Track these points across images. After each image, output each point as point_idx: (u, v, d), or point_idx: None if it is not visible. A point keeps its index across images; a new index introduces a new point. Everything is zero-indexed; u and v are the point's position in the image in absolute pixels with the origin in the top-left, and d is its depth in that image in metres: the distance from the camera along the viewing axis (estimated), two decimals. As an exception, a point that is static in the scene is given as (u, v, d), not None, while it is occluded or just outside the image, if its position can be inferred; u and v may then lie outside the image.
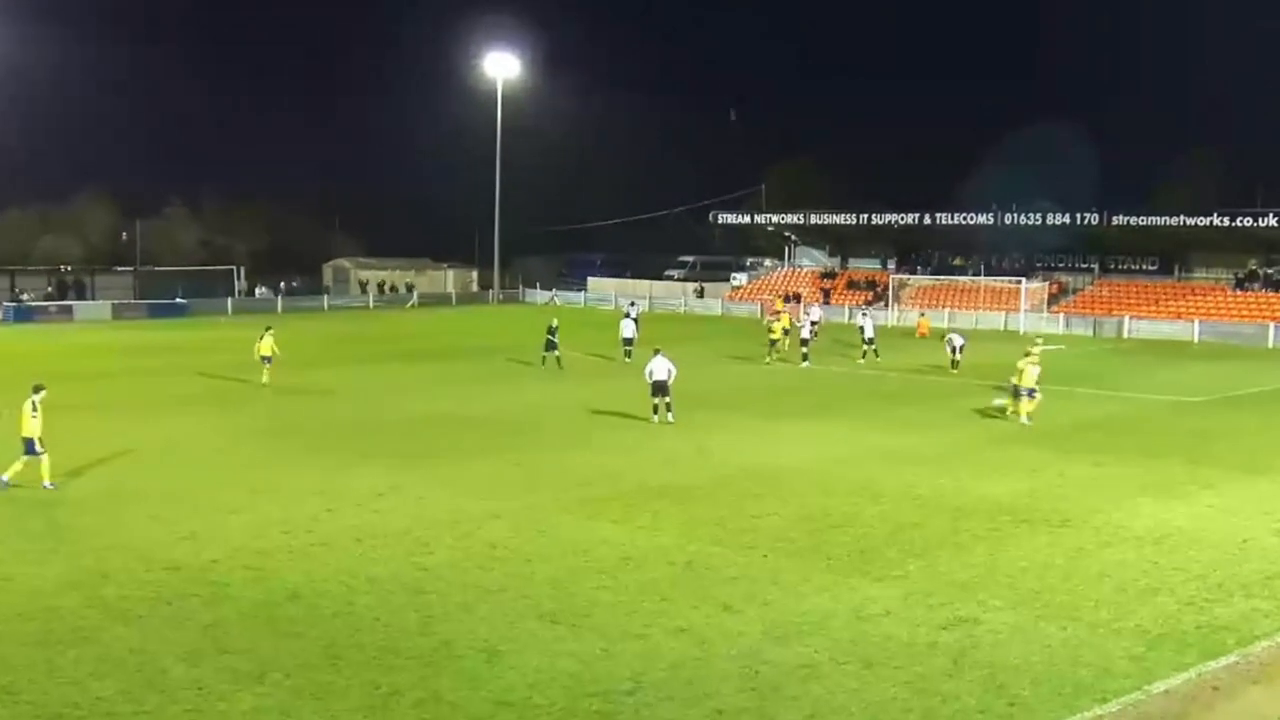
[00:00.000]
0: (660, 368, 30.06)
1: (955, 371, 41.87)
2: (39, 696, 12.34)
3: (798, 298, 76.50)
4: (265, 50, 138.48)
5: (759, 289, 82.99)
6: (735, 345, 52.03)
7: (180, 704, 12.16)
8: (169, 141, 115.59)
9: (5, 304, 72.23)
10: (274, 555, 17.57)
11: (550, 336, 42.93)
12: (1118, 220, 66.28)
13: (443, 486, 22.45)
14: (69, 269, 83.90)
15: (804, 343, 45.68)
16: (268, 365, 37.50)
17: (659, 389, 30.00)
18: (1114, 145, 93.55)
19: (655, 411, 30.12)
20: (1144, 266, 69.38)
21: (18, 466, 21.95)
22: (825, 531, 19.33)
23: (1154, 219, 65.89)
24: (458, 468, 24.46)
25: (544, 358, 42.72)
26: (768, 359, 45.70)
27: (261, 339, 38.18)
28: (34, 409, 21.98)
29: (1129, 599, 15.89)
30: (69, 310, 73.37)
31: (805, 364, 44.36)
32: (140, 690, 12.49)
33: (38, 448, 21.83)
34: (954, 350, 42.83)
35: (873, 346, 46.89)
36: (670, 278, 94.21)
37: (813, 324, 48.89)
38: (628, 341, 44.66)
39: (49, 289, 78.18)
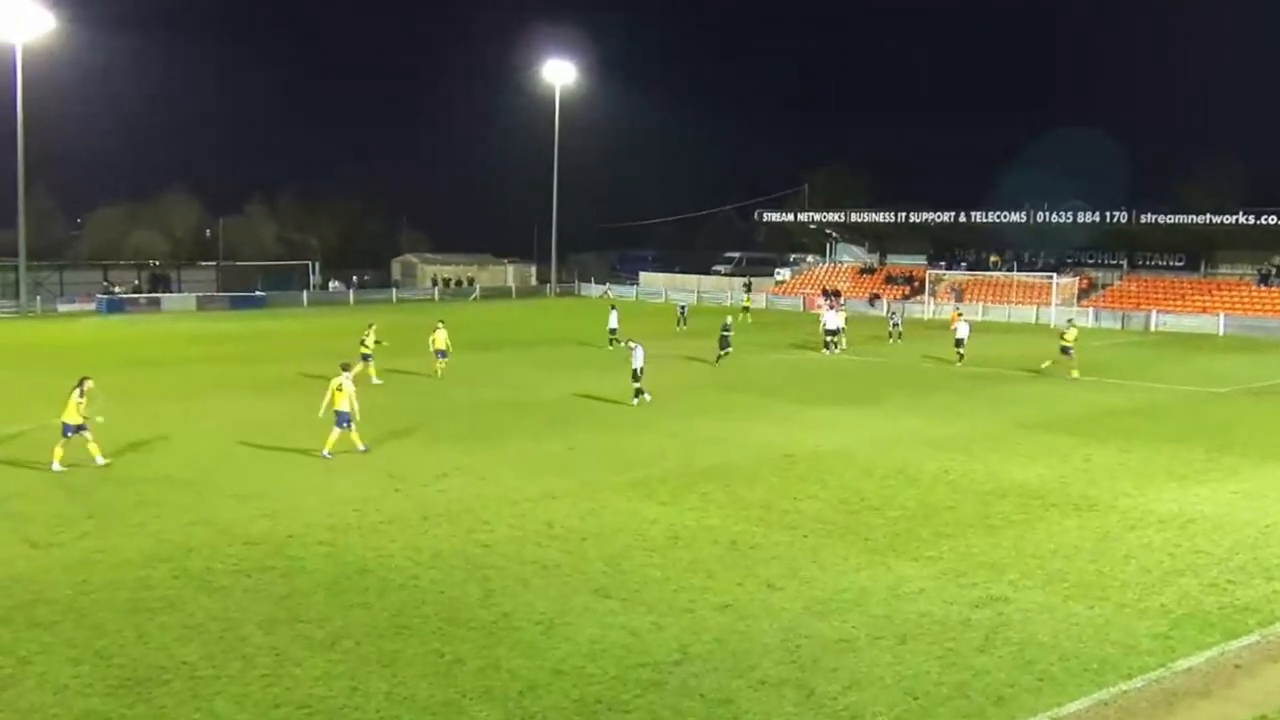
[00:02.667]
0: (638, 356, 31.00)
1: (959, 364, 40.96)
2: (129, 660, 12.56)
3: (837, 294, 76.15)
4: (341, 57, 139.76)
5: (802, 283, 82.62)
6: (779, 336, 51.89)
7: (258, 669, 12.33)
8: (250, 142, 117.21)
9: (98, 296, 73.35)
10: (345, 532, 17.74)
11: (725, 334, 41.29)
12: (1146, 219, 65.53)
13: (503, 468, 22.56)
14: (157, 263, 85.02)
15: (830, 334, 45.86)
16: (442, 360, 36.36)
17: (636, 375, 30.91)
18: (1143, 146, 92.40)
19: (635, 395, 30.84)
20: (1171, 263, 68.39)
21: (334, 438, 23.33)
22: (863, 513, 19.25)
23: (1181, 217, 65.07)
24: (516, 450, 24.56)
25: (718, 355, 40.66)
26: (829, 350, 45.18)
27: (436, 332, 36.93)
28: (80, 395, 22.21)
29: (1154, 580, 15.71)
30: (157, 302, 74.38)
31: (826, 352, 45.01)
32: (222, 655, 12.67)
33: (349, 421, 23.46)
34: (959, 342, 41.93)
35: (898, 330, 49.61)
36: (718, 273, 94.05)
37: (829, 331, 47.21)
38: (613, 331, 44.80)
39: (136, 282, 79.28)
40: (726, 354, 40.95)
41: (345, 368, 24.41)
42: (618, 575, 15.67)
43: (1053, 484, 21.57)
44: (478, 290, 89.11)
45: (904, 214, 75.56)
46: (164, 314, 71.20)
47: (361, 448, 23.64)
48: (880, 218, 77.95)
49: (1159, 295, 65.92)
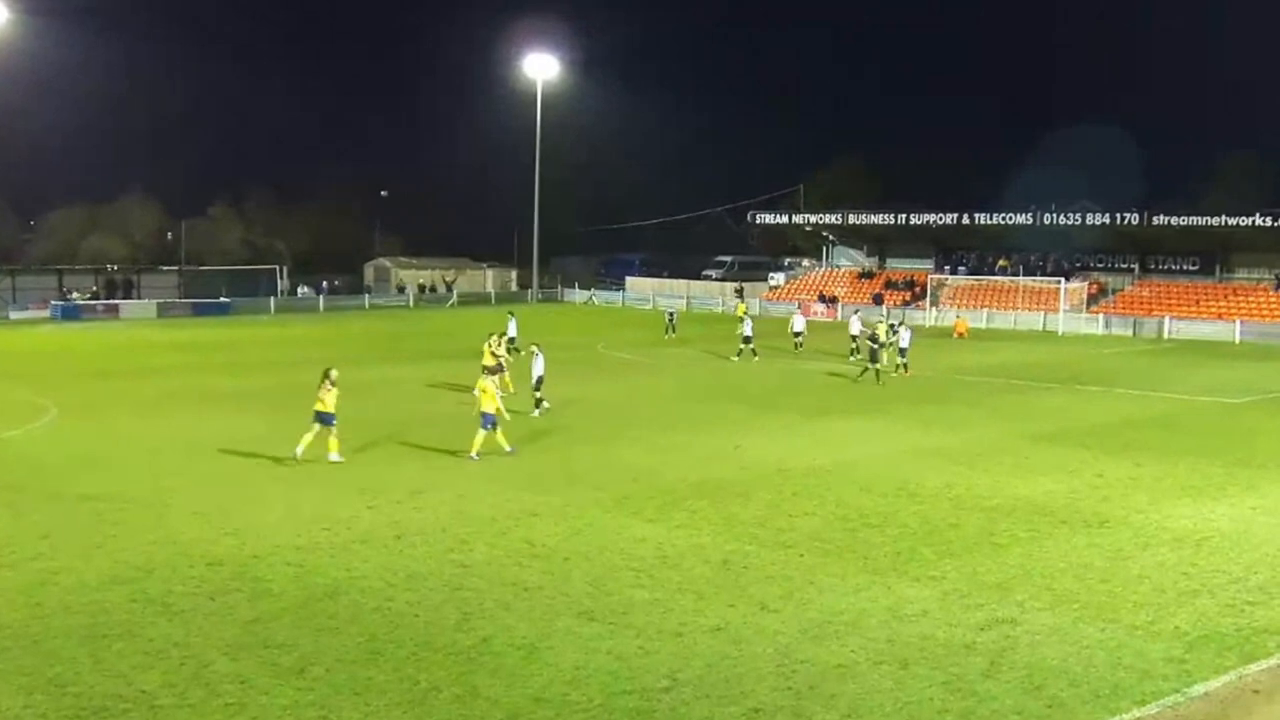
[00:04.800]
0: (539, 364, 31.27)
1: (903, 373, 41.01)
2: (85, 689, 12.48)
3: (834, 300, 76.33)
4: (309, 52, 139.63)
5: (797, 289, 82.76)
6: (772, 344, 51.94)
7: (223, 697, 12.27)
8: (214, 142, 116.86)
9: (54, 303, 73.09)
10: (315, 551, 17.69)
11: (874, 346, 40.23)
12: (1158, 220, 65.63)
13: (482, 483, 22.51)
14: (115, 268, 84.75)
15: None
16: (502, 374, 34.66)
17: (538, 384, 31.21)
18: (1155, 144, 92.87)
19: (536, 405, 31.02)
20: (1185, 267, 68.62)
21: (308, 438, 24.01)
22: (862, 531, 19.27)
23: (1195, 219, 65.07)
24: (496, 464, 24.50)
25: (865, 369, 39.68)
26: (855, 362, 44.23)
27: (497, 343, 35.85)
28: (330, 385, 24.13)
29: (1168, 601, 15.74)
30: (115, 309, 74.16)
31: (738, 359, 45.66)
32: (184, 683, 12.61)
33: (494, 421, 24.75)
34: (899, 350, 41.67)
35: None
36: (708, 277, 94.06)
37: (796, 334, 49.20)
38: (511, 340, 44.97)
39: (92, 288, 78.98)
40: (874, 369, 39.06)
41: (491, 371, 25.87)
42: (603, 597, 15.65)
43: (1062, 499, 21.62)
44: (455, 296, 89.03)
45: (904, 215, 75.74)
46: (123, 321, 71.00)
47: (509, 449, 24.90)
48: (879, 219, 78.10)
49: (1172, 301, 66.18)
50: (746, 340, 46.53)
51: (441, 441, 27.12)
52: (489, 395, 24.90)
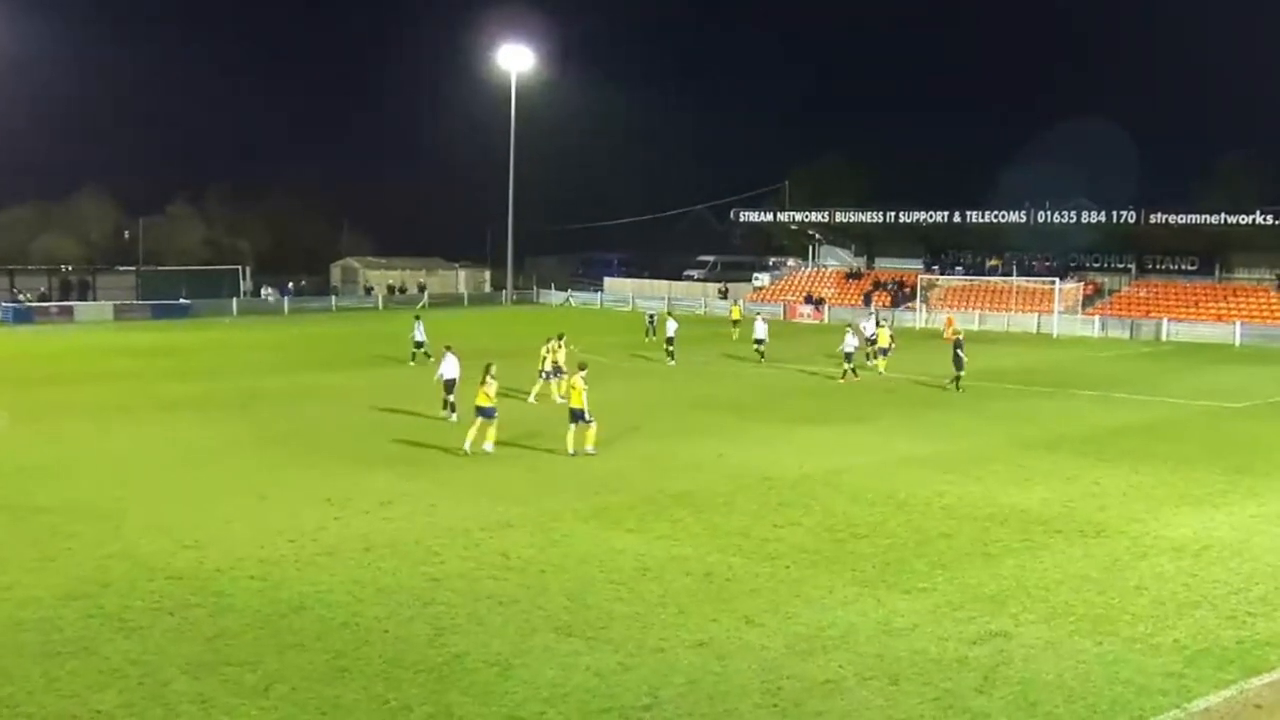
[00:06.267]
0: (451, 367, 31.60)
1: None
2: (37, 709, 12.39)
3: (820, 301, 76.50)
4: (271, 44, 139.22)
5: (782, 290, 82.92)
6: (746, 347, 51.99)
7: (183, 718, 12.20)
8: (172, 138, 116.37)
9: (3, 304, 72.67)
10: (279, 565, 17.62)
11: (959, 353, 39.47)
12: (1155, 218, 65.90)
13: (454, 493, 22.49)
14: (69, 268, 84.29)
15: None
16: (557, 379, 34.58)
17: (450, 387, 31.56)
18: (1152, 142, 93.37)
19: (444, 407, 31.40)
20: (1183, 267, 68.98)
21: (473, 432, 26.15)
22: (850, 542, 19.30)
23: (1194, 217, 65.35)
24: (469, 473, 24.49)
25: (955, 378, 38.59)
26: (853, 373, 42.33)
27: (556, 348, 35.45)
28: (491, 380, 26.53)
29: (1167, 613, 15.81)
30: (69, 311, 73.78)
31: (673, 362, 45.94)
32: (142, 703, 12.54)
33: (586, 416, 26.40)
34: (848, 353, 41.40)
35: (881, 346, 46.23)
36: (690, 278, 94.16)
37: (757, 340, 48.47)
38: (419, 344, 45.19)
39: (43, 289, 78.44)
40: (960, 376, 38.52)
41: (582, 366, 27.67)
42: (581, 611, 15.63)
43: (1057, 508, 21.71)
44: (426, 298, 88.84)
45: (894, 214, 75.92)
46: (78, 324, 70.68)
47: (590, 449, 26.27)
48: (868, 218, 78.33)
49: (1170, 302, 66.54)
50: (760, 342, 47.36)
51: (411, 451, 27.08)
52: (578, 392, 26.51)
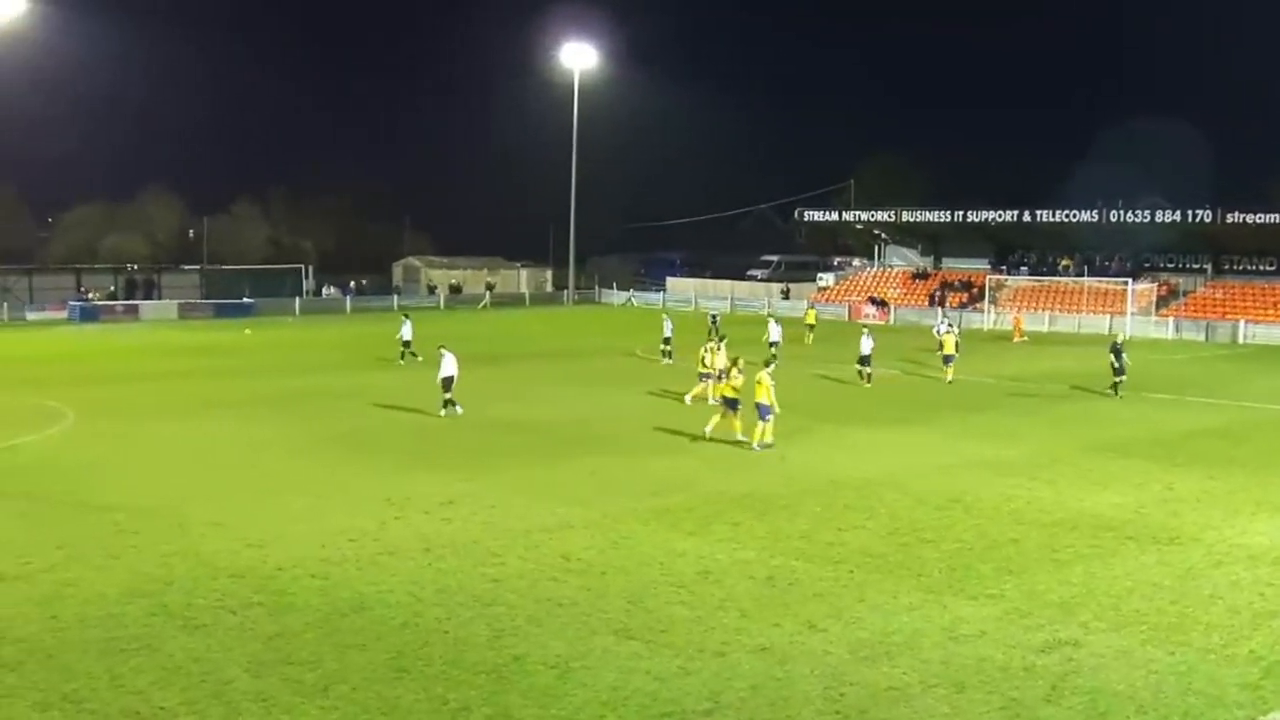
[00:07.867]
0: (449, 366, 31.96)
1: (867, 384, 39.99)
2: (101, 705, 12.58)
3: (884, 303, 76.07)
4: (336, 46, 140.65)
5: (846, 290, 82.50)
6: (823, 350, 51.79)
7: (244, 716, 12.34)
8: (237, 138, 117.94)
9: (71, 303, 73.92)
10: (340, 564, 17.77)
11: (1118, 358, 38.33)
12: (1233, 217, 64.99)
13: (514, 494, 22.57)
14: (135, 267, 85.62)
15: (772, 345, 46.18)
16: (712, 382, 33.68)
17: (447, 385, 31.95)
18: (1228, 140, 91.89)
19: (444, 406, 31.80)
20: (1261, 267, 67.88)
21: (759, 431, 27.04)
22: (915, 546, 19.16)
23: (1273, 216, 64.32)
24: (530, 474, 24.58)
25: (1114, 384, 37.66)
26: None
27: (715, 349, 34.99)
28: (738, 373, 27.74)
29: (1243, 623, 15.55)
30: (135, 310, 74.94)
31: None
32: (204, 701, 12.69)
33: (769, 414, 27.05)
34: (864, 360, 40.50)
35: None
36: (753, 278, 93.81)
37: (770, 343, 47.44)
38: (406, 344, 45.32)
39: (111, 288, 79.75)
40: (1121, 381, 37.57)
41: (767, 363, 28.53)
42: (641, 614, 15.63)
43: (1129, 514, 21.42)
44: (488, 298, 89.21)
45: (961, 213, 75.42)
46: (142, 323, 71.75)
47: (768, 441, 27.05)
48: (934, 217, 77.84)
49: (1248, 303, 65.49)
50: (864, 361, 40.84)
51: (471, 452, 27.22)
52: (764, 387, 27.05)
